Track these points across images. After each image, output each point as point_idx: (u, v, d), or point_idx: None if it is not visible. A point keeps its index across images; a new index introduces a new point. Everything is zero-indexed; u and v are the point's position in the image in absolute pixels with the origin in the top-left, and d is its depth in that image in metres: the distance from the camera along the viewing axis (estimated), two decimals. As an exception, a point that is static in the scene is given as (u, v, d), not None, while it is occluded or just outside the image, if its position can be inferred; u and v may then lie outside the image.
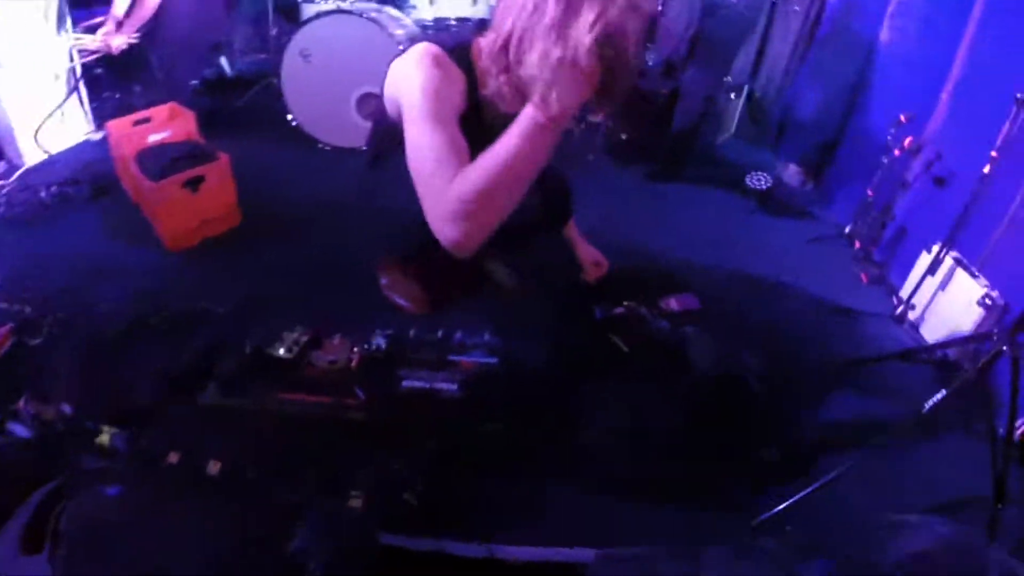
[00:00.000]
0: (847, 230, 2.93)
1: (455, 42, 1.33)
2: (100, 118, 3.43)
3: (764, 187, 3.00)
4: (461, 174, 1.12)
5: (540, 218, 1.58)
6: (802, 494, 1.45)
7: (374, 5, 3.33)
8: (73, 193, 2.71)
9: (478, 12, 3.77)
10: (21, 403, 1.51)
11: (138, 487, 1.32)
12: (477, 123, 1.29)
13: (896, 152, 2.62)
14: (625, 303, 1.96)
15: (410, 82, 1.24)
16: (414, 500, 1.37)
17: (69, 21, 3.16)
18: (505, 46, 1.19)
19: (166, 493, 1.36)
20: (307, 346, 1.75)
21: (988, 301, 2.00)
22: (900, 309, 2.37)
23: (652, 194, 3.23)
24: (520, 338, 1.79)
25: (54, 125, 3.08)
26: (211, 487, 1.38)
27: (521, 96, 1.17)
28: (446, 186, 1.13)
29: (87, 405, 1.57)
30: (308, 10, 3.59)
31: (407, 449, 1.48)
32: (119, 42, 3.04)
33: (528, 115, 1.06)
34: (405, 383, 1.61)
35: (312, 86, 3.11)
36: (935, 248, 2.25)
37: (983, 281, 2.07)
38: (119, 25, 3.06)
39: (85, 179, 2.79)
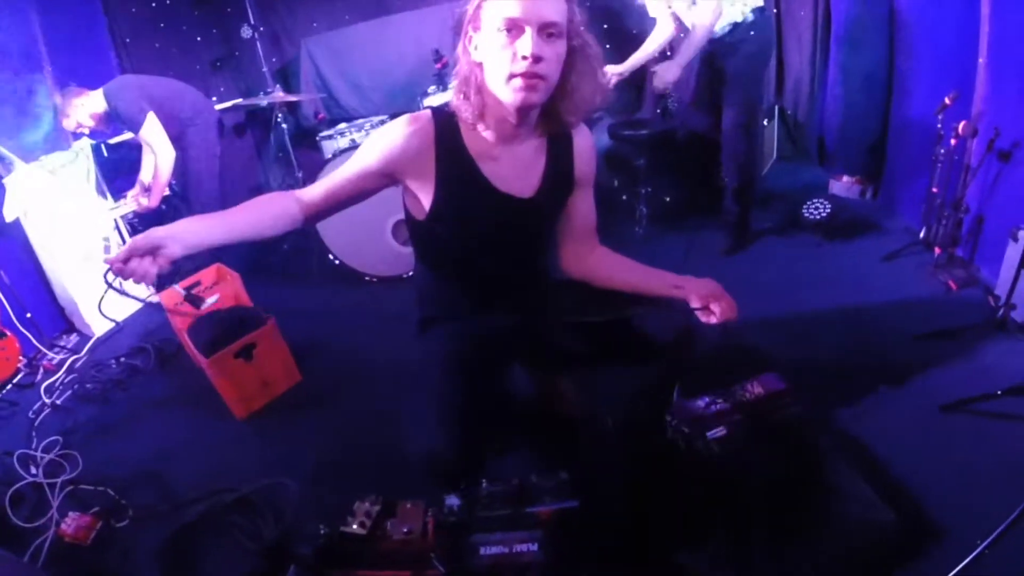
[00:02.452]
0: (921, 235, 2.69)
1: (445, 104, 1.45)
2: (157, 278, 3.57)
3: (824, 215, 2.78)
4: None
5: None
6: None
7: (388, 128, 3.34)
8: (141, 364, 2.81)
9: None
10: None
11: None
12: (459, 163, 1.42)
13: (952, 141, 2.40)
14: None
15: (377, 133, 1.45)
16: None
17: (107, 191, 3.33)
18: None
19: None
20: (380, 516, 1.70)
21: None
22: (1001, 312, 2.11)
23: (714, 257, 2.98)
24: (598, 469, 1.68)
25: (115, 294, 3.21)
26: None
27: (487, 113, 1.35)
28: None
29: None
30: (326, 147, 3.63)
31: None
32: (148, 203, 3.16)
33: None
34: (483, 551, 1.52)
35: (346, 224, 3.04)
36: (1022, 234, 2.01)
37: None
38: (146, 189, 3.19)
39: (151, 346, 2.89)
